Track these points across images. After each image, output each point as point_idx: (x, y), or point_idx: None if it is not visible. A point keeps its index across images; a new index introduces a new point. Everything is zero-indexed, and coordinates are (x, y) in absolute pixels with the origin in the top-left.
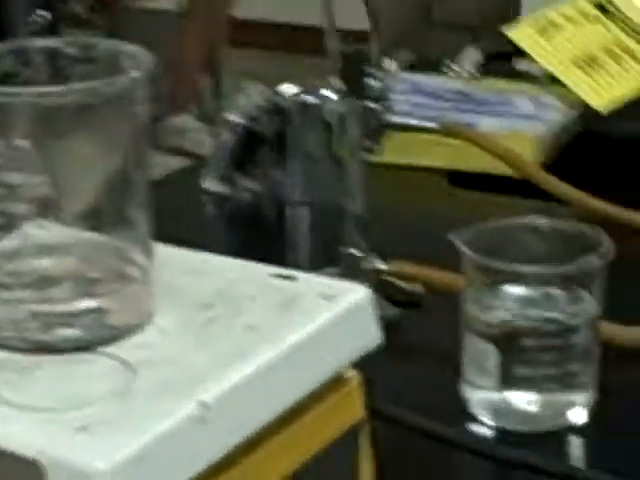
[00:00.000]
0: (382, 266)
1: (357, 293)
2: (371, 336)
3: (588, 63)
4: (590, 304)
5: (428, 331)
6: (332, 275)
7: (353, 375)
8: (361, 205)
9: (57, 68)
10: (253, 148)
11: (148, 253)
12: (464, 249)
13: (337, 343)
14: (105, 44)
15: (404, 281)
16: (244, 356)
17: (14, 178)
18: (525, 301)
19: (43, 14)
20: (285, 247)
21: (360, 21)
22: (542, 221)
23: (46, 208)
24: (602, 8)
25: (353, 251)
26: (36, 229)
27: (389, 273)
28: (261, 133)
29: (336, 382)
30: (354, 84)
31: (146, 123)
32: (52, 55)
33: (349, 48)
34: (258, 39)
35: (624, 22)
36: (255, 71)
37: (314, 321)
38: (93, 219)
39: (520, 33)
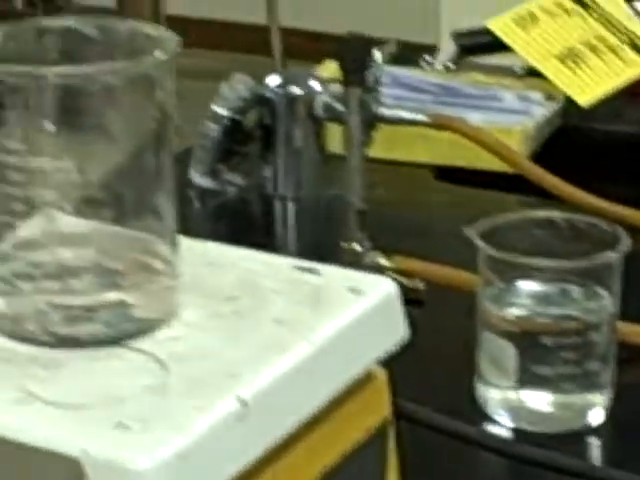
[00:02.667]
0: (384, 262)
1: (385, 287)
2: (399, 331)
3: (569, 56)
4: (608, 301)
5: (435, 329)
6: None
7: (380, 372)
8: (360, 198)
9: (72, 48)
10: (239, 140)
11: (174, 245)
12: (480, 243)
13: (367, 338)
14: (125, 25)
15: (405, 278)
16: (278, 351)
17: (35, 163)
18: (542, 298)
19: None
20: (274, 243)
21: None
22: (557, 215)
23: (68, 194)
24: (581, 2)
25: (354, 246)
26: (55, 218)
27: (392, 270)
28: (246, 125)
29: (365, 379)
30: (353, 73)
31: (172, 106)
32: (68, 35)
33: (349, 34)
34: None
35: (603, 16)
36: (199, 69)
37: (344, 315)
38: (117, 208)
39: (500, 25)
